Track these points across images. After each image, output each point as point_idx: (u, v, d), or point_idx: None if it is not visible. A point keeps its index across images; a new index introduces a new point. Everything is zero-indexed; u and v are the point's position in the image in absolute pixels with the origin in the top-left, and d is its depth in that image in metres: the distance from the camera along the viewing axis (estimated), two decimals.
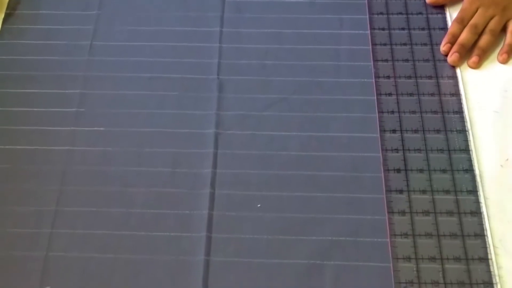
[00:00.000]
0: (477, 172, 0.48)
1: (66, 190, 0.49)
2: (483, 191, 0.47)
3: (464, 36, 0.54)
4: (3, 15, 0.59)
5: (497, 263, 0.44)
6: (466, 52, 0.54)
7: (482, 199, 0.47)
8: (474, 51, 0.54)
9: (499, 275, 0.43)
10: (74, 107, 0.53)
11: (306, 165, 0.49)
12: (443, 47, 0.54)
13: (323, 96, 0.53)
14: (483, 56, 0.54)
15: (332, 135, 0.51)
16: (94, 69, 0.56)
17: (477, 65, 0.53)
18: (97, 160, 0.50)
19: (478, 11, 0.55)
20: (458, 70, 0.54)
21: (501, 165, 0.48)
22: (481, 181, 0.48)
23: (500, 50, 0.55)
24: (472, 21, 0.55)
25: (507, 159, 0.49)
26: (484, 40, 0.54)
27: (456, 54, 0.53)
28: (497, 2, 0.55)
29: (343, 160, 0.49)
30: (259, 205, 0.48)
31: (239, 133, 0.51)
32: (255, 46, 0.57)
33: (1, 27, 0.59)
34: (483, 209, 0.46)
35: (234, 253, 0.45)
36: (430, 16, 0.58)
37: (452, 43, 0.54)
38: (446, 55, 0.55)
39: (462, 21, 0.55)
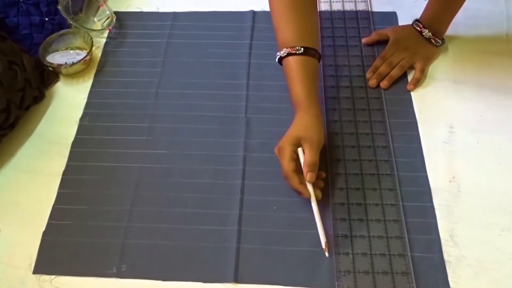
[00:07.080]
0: (432, 186, 0.49)
1: (138, 195, 0.51)
2: (435, 200, 0.48)
3: (382, 68, 0.59)
4: (94, 71, 0.62)
5: (447, 253, 0.45)
6: (381, 79, 0.59)
7: (436, 206, 0.48)
8: (386, 78, 0.59)
9: (449, 262, 0.44)
10: (144, 136, 0.55)
11: None
12: (368, 74, 0.59)
13: None
14: (391, 81, 0.58)
15: None
16: (159, 109, 0.58)
17: (386, 86, 0.58)
18: (161, 174, 0.52)
19: (395, 54, 0.60)
20: (417, 116, 0.55)
21: (449, 181, 0.50)
22: (434, 193, 0.49)
23: (409, 82, 0.59)
24: (389, 59, 0.60)
25: (454, 177, 0.50)
26: (394, 71, 0.59)
27: (375, 80, 0.58)
28: (409, 49, 0.60)
29: None
30: (275, 208, 0.49)
31: (261, 155, 0.53)
32: (271, 94, 0.59)
33: (93, 79, 0.61)
34: (437, 213, 0.47)
35: (258, 241, 0.47)
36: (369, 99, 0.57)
37: (374, 72, 0.59)
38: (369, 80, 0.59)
39: (383, 58, 0.60)
